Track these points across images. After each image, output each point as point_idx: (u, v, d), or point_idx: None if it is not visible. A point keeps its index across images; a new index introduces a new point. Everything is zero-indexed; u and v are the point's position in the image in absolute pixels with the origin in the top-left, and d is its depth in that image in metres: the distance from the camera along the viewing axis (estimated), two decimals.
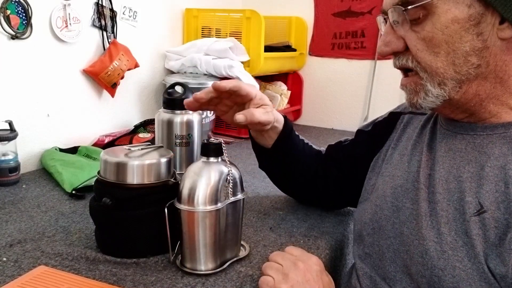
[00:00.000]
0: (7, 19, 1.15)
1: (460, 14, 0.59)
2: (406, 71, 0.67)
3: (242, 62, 1.64)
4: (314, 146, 0.99)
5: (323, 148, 1.00)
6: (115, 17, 1.45)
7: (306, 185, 0.98)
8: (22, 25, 1.19)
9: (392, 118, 0.86)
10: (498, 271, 0.55)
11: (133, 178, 0.76)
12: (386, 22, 0.67)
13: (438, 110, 0.69)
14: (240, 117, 0.79)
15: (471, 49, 0.60)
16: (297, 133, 0.96)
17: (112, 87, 1.44)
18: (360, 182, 0.85)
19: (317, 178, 0.95)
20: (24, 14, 1.18)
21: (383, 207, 0.73)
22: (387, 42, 0.65)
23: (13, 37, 1.17)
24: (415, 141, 0.75)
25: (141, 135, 1.40)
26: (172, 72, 1.72)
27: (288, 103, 1.98)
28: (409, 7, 0.61)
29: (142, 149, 0.81)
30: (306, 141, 0.98)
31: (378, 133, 0.86)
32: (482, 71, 0.61)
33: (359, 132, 0.94)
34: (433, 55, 0.62)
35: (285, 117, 0.92)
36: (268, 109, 0.85)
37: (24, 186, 1.12)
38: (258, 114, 0.81)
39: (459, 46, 0.60)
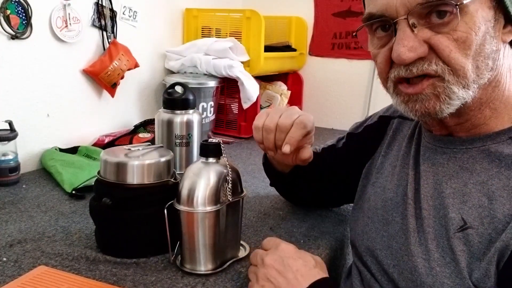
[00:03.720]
0: (7, 19, 1.15)
1: (486, 15, 0.58)
2: (419, 77, 0.60)
3: (242, 62, 1.64)
4: (316, 151, 0.98)
5: (317, 147, 0.99)
6: (115, 17, 1.45)
7: (309, 192, 0.98)
8: (22, 25, 1.19)
9: (382, 122, 0.84)
10: (482, 284, 0.56)
11: (133, 178, 0.76)
12: (387, 27, 0.61)
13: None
14: (287, 148, 0.78)
15: (490, 51, 0.59)
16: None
17: (112, 87, 1.44)
18: (354, 183, 0.85)
19: (316, 182, 0.95)
20: (24, 14, 1.18)
21: (374, 220, 0.74)
22: (411, 47, 0.58)
23: (13, 37, 1.17)
24: (404, 151, 0.74)
25: (141, 135, 1.39)
26: (172, 72, 1.72)
27: (288, 103, 1.97)
28: (443, 8, 0.56)
29: (142, 149, 0.81)
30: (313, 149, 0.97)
31: (369, 137, 0.85)
32: (491, 74, 0.60)
33: (350, 135, 0.92)
34: (464, 57, 0.58)
35: None
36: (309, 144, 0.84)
37: (24, 186, 1.12)
38: (308, 154, 0.84)
39: (483, 49, 0.58)
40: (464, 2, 0.56)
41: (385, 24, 0.61)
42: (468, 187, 0.61)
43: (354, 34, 0.67)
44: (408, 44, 0.58)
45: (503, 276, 0.54)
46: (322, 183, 0.95)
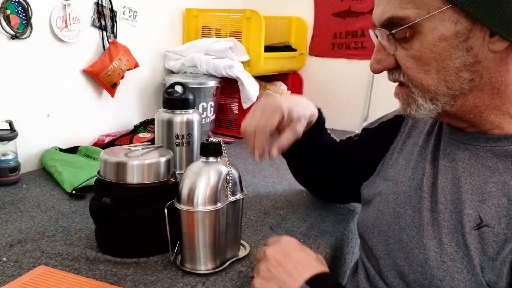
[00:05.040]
0: (7, 19, 1.15)
1: (447, 31, 0.58)
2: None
3: (242, 62, 1.64)
4: (336, 140, 1.02)
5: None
6: (115, 17, 1.45)
7: (321, 177, 0.99)
8: (22, 25, 1.19)
9: (397, 121, 0.86)
10: (494, 285, 0.56)
11: (133, 178, 0.76)
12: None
13: (438, 119, 0.69)
14: (275, 151, 0.87)
15: (462, 65, 0.59)
16: (327, 129, 1.00)
17: (112, 87, 1.44)
18: (364, 179, 0.86)
19: (328, 170, 0.97)
20: (24, 14, 1.19)
21: (385, 212, 0.74)
22: (379, 60, 0.65)
23: (13, 37, 1.17)
24: (421, 147, 0.75)
25: (141, 135, 1.40)
26: (172, 72, 1.72)
27: None
28: (394, 30, 0.60)
29: (142, 149, 0.81)
30: (331, 135, 1.01)
31: (383, 134, 0.87)
32: (476, 84, 0.61)
33: (364, 130, 0.95)
34: (423, 73, 0.61)
35: (319, 110, 0.96)
36: (294, 124, 0.88)
37: (24, 186, 1.12)
38: (285, 141, 0.88)
39: (449, 63, 0.59)
40: (417, 21, 0.58)
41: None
42: (489, 186, 0.61)
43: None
44: (376, 56, 0.65)
45: None
46: (333, 173, 0.97)
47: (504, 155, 0.62)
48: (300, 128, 0.88)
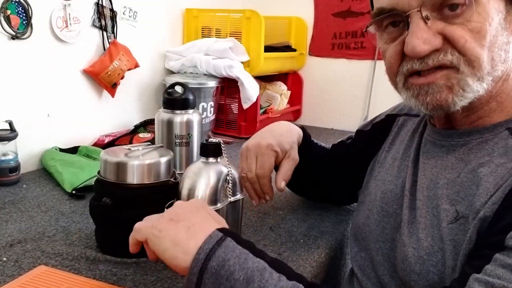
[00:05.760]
0: (7, 19, 1.15)
1: (498, 6, 0.57)
2: (433, 69, 0.60)
3: (242, 62, 1.65)
4: (326, 147, 1.01)
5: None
6: (115, 17, 1.45)
7: (317, 186, 1.00)
8: (22, 25, 1.19)
9: (389, 120, 0.86)
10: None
11: (133, 178, 0.76)
12: (397, 23, 0.61)
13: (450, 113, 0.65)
14: (283, 184, 0.89)
15: (502, 43, 0.58)
16: (314, 140, 0.99)
17: (112, 87, 1.44)
18: (361, 180, 0.86)
19: (324, 177, 0.98)
20: (24, 14, 1.19)
21: (373, 211, 0.74)
22: (426, 40, 0.57)
23: (13, 37, 1.17)
24: (406, 145, 0.75)
25: (141, 135, 1.40)
26: (172, 72, 1.72)
27: (288, 103, 1.98)
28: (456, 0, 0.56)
29: (142, 149, 0.81)
30: (320, 144, 1.01)
31: (376, 135, 0.87)
32: (504, 67, 0.60)
33: (359, 132, 0.95)
34: (480, 47, 0.57)
35: (302, 128, 0.96)
36: (290, 153, 0.90)
37: (24, 186, 1.12)
38: (289, 171, 0.90)
39: (497, 40, 0.58)
40: None
41: (395, 20, 0.61)
42: (461, 177, 0.61)
43: (364, 30, 0.67)
44: (422, 36, 0.57)
45: (477, 242, 0.54)
46: (330, 179, 0.97)
47: (477, 147, 0.62)
48: (295, 153, 0.90)
